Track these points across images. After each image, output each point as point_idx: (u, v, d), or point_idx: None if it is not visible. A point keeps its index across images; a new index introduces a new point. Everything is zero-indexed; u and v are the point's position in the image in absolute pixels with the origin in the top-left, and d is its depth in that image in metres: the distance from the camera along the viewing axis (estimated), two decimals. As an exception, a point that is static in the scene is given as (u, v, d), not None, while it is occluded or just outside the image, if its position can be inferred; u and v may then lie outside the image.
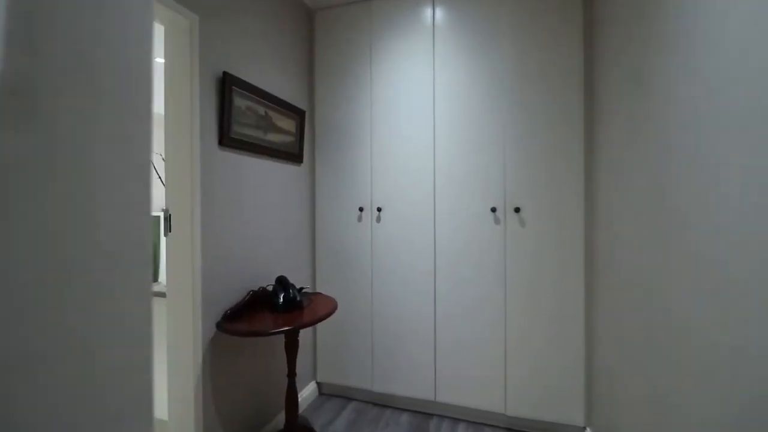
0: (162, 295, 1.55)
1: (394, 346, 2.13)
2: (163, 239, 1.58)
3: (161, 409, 1.70)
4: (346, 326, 2.25)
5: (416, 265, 2.09)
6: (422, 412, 2.10)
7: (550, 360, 1.85)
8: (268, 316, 1.59)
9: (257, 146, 1.80)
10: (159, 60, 1.61)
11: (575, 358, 1.81)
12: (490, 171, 1.95)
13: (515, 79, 1.90)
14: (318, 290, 2.30)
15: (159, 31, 1.52)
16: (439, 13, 2.04)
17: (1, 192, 0.43)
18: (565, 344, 1.82)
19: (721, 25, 0.87)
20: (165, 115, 1.47)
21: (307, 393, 2.21)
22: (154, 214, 1.65)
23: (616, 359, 1.47)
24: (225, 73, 1.56)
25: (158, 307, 1.89)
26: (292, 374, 1.67)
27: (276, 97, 1.92)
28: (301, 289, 1.78)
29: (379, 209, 2.15)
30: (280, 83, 2.00)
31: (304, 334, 2.20)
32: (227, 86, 1.58)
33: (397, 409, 2.15)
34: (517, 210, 1.89)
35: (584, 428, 1.80)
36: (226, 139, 1.59)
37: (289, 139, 2.07)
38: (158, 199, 1.62)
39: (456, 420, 2.02)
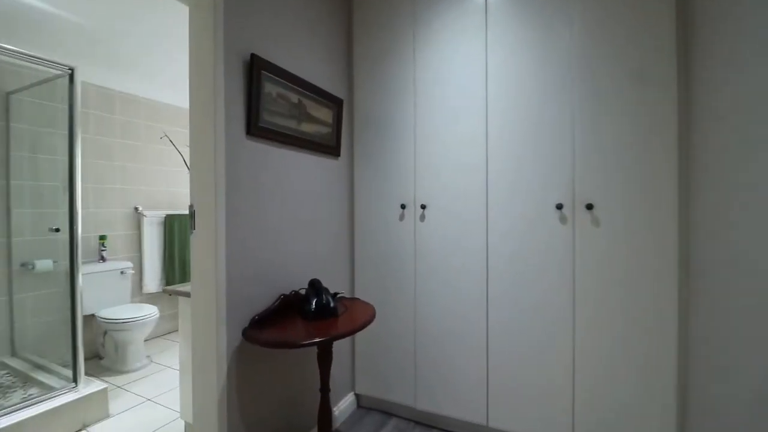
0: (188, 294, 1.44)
1: (440, 359, 1.90)
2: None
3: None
4: (386, 335, 2.04)
5: (465, 268, 1.84)
6: (472, 437, 1.84)
7: (632, 386, 1.52)
8: (299, 323, 1.43)
9: (289, 137, 1.65)
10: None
11: (665, 389, 1.47)
12: (555, 162, 1.65)
13: (587, 56, 1.60)
14: (356, 295, 2.12)
15: (184, 12, 1.41)
16: (493, -19, 1.78)
17: None
18: (652, 370, 1.49)
19: None
20: (190, 100, 1.35)
21: (344, 405, 2.03)
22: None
23: (727, 389, 1.14)
24: (253, 56, 1.42)
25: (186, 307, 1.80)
26: (325, 389, 1.49)
27: (311, 83, 1.76)
28: (336, 294, 1.60)
29: (423, 206, 1.93)
30: (316, 69, 1.84)
31: (342, 341, 2.02)
32: (255, 70, 1.43)
33: (443, 431, 1.91)
34: (589, 207, 1.58)
35: (677, 475, 1.46)
36: (255, 128, 1.45)
37: (325, 130, 1.91)
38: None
39: (512, 449, 1.75)
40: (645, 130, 1.50)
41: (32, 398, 1.88)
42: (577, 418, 1.61)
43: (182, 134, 3.62)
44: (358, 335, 2.12)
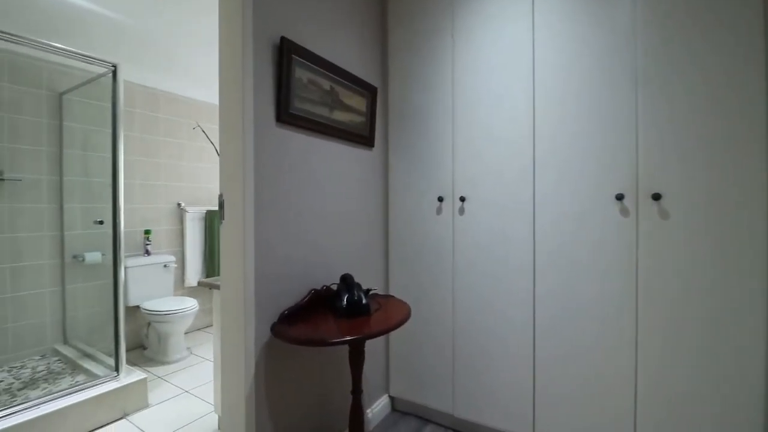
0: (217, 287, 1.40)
1: (481, 363, 1.75)
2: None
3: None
4: (421, 336, 1.93)
5: (508, 265, 1.68)
6: (516, 450, 1.69)
7: (708, 404, 1.30)
8: (330, 320, 1.35)
9: (321, 125, 1.58)
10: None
11: (749, 406, 1.24)
12: (614, 146, 1.46)
13: (653, 18, 1.40)
14: (391, 292, 2.02)
15: (214, -4, 1.37)
16: (541, -51, 1.61)
17: None
18: (732, 380, 1.27)
19: None
20: (219, 87, 1.30)
21: (378, 408, 1.94)
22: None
23: None
24: (283, 39, 1.36)
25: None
26: (357, 391, 1.41)
27: (344, 70, 1.68)
28: (369, 290, 1.50)
29: (462, 199, 1.80)
30: (349, 55, 1.76)
31: (376, 340, 1.93)
32: (285, 54, 1.37)
33: (484, 441, 1.76)
34: (656, 197, 1.38)
35: None
36: (285, 114, 1.39)
37: (358, 118, 1.82)
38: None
39: (563, 467, 1.58)
40: (728, 101, 1.28)
41: (78, 385, 1.95)
42: (641, 437, 1.41)
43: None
44: (393, 334, 2.02)
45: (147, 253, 3.13)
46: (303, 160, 1.49)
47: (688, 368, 1.34)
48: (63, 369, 2.29)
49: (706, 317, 1.31)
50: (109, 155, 2.24)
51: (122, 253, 2.19)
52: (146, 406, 2.12)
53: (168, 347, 2.81)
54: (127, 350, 2.98)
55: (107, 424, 1.93)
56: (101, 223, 2.50)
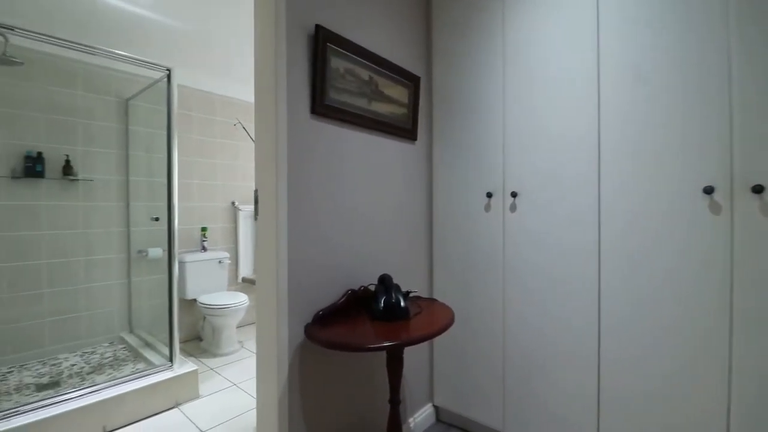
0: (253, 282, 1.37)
1: (535, 378, 1.57)
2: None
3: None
4: (467, 344, 1.78)
5: (569, 268, 1.49)
6: (577, 479, 1.49)
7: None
8: (366, 323, 1.27)
9: (359, 117, 1.50)
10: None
11: None
12: (701, 130, 1.22)
13: (756, -31, 1.14)
14: (434, 295, 1.90)
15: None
16: None
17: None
18: None
19: None
20: (254, 79, 1.28)
21: (421, 417, 1.83)
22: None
23: None
24: (318, 27, 1.30)
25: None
26: (394, 401, 1.31)
27: (384, 59, 1.59)
28: (408, 293, 1.40)
29: (513, 194, 1.63)
30: (389, 43, 1.66)
31: (419, 346, 1.82)
32: (320, 43, 1.31)
33: (539, 464, 1.58)
34: (757, 190, 1.13)
35: None
36: (320, 106, 1.33)
37: (400, 110, 1.73)
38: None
39: (634, 505, 1.35)
40: None
41: (137, 373, 2.06)
42: (739, 482, 1.16)
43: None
44: (437, 340, 1.89)
45: (204, 249, 3.28)
46: (340, 154, 1.43)
47: (806, 402, 1.07)
48: (127, 356, 2.46)
49: (832, 340, 1.04)
50: (171, 157, 2.36)
51: (176, 248, 2.29)
52: (197, 396, 2.20)
53: (221, 340, 2.92)
54: (185, 341, 3.16)
55: (160, 412, 2.02)
56: (157, 219, 2.65)
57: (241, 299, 2.92)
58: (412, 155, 1.82)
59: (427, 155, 1.91)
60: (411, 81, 1.77)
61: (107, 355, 2.50)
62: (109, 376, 2.12)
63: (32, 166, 2.34)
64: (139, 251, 2.84)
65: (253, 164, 3.72)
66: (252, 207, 3.58)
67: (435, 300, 1.57)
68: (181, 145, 3.10)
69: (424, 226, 1.90)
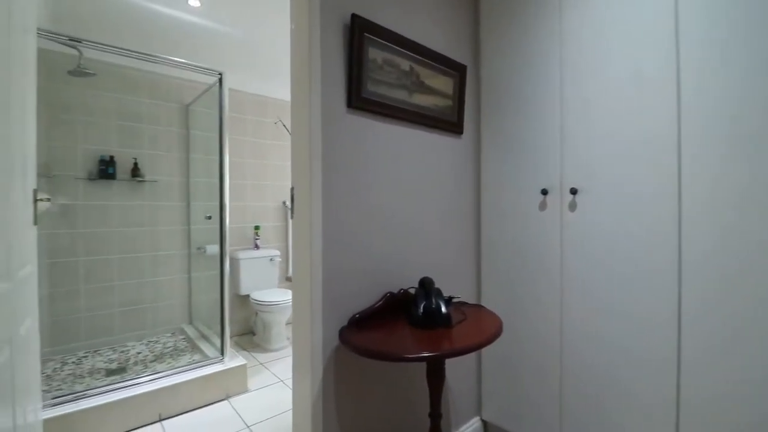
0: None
1: (598, 397, 1.38)
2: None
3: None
4: (519, 356, 1.62)
5: (639, 273, 1.28)
6: None
7: None
8: (405, 329, 1.18)
9: (400, 110, 1.42)
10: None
11: None
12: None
13: None
14: (482, 302, 1.76)
15: None
16: None
17: None
18: None
19: None
20: (291, 72, 1.25)
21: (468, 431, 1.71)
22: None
23: None
24: (354, 17, 1.24)
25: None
26: (435, 415, 1.21)
27: (425, 47, 1.49)
28: (450, 298, 1.30)
29: (573, 191, 1.45)
30: (432, 30, 1.56)
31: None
32: (357, 33, 1.25)
33: (603, 497, 1.39)
34: None
35: None
36: (357, 99, 1.27)
37: (444, 102, 1.62)
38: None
39: None
40: None
41: (193, 363, 2.17)
42: None
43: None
44: (486, 349, 1.75)
45: (256, 247, 3.40)
46: (378, 150, 1.36)
47: None
48: (185, 347, 2.60)
49: None
50: (228, 158, 2.45)
51: (227, 246, 2.38)
52: (246, 390, 2.26)
53: (271, 336, 3.00)
54: (240, 335, 3.29)
55: (211, 403, 2.10)
56: (210, 218, 2.78)
57: (289, 297, 2.97)
58: (458, 150, 1.70)
59: (474, 150, 1.78)
60: (456, 70, 1.65)
61: (168, 344, 2.66)
62: (168, 365, 2.25)
63: (105, 169, 2.56)
64: (198, 248, 3.00)
65: (302, 164, 3.79)
66: (301, 206, 3.64)
67: (482, 307, 1.44)
68: (236, 147, 3.24)
69: (471, 227, 1.77)
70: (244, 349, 2.98)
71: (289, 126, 3.56)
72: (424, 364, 1.41)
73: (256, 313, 3.14)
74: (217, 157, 2.88)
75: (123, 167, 2.66)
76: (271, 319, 2.96)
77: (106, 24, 2.19)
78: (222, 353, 2.27)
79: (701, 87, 1.15)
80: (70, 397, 1.75)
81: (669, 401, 1.22)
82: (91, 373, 2.18)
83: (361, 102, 1.28)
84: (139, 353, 2.50)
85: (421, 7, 1.52)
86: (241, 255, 3.17)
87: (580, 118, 1.43)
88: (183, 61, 2.21)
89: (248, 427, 1.90)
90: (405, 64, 1.43)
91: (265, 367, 2.64)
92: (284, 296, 2.98)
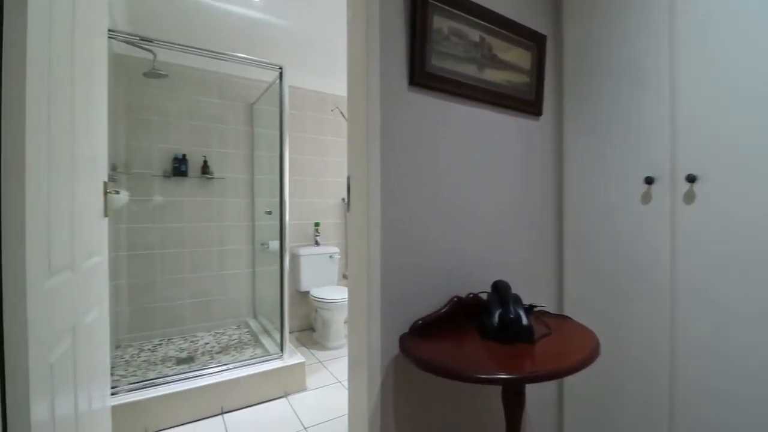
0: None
1: (728, 443, 1.08)
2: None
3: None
4: (614, 375, 1.35)
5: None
6: None
7: None
8: (476, 340, 1.01)
9: (468, 87, 1.24)
10: None
11: None
12: None
13: None
14: (564, 311, 1.51)
15: None
16: None
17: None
18: None
19: None
20: (347, 48, 1.13)
21: (545, 458, 1.47)
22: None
23: None
24: (417, -20, 1.08)
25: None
26: (512, 444, 1.02)
27: (498, 14, 1.29)
28: (532, 306, 1.09)
29: (690, 178, 1.15)
30: (506, -5, 1.35)
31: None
32: (420, -1, 1.09)
33: None
34: None
35: None
36: (420, 75, 1.11)
37: (519, 78, 1.40)
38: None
39: None
40: None
41: (255, 357, 2.18)
42: None
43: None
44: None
45: (316, 243, 3.39)
46: (444, 133, 1.19)
47: None
48: (248, 340, 2.65)
49: None
50: (289, 155, 2.45)
51: (287, 242, 2.36)
52: (304, 389, 2.22)
53: (330, 333, 2.96)
54: (300, 330, 3.31)
55: (269, 400, 2.08)
56: (269, 213, 2.79)
57: (347, 295, 2.90)
58: (536, 133, 1.47)
59: (554, 133, 1.53)
60: (534, 41, 1.42)
61: (234, 337, 2.73)
62: (232, 358, 2.29)
63: (178, 167, 2.69)
64: (262, 243, 3.05)
65: (362, 160, 3.72)
66: (361, 203, 3.57)
67: (567, 318, 1.21)
68: (296, 144, 3.25)
69: (552, 222, 1.52)
70: (304, 346, 2.97)
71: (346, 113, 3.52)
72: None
73: (316, 310, 3.13)
74: (277, 154, 2.92)
75: (194, 165, 2.78)
76: (329, 316, 2.92)
77: (175, 24, 2.27)
78: (281, 349, 2.26)
79: None
80: (140, 384, 1.81)
81: None
82: (163, 360, 2.29)
83: (425, 78, 1.13)
84: (206, 344, 2.59)
85: (494, -32, 1.32)
86: (302, 251, 3.17)
87: (699, 86, 1.13)
88: (246, 56, 2.23)
89: (305, 429, 1.84)
90: (474, 35, 1.25)
91: (324, 366, 2.59)
92: (343, 294, 2.92)
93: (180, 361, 2.29)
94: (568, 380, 1.50)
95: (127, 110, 2.55)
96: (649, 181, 1.26)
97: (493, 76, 1.31)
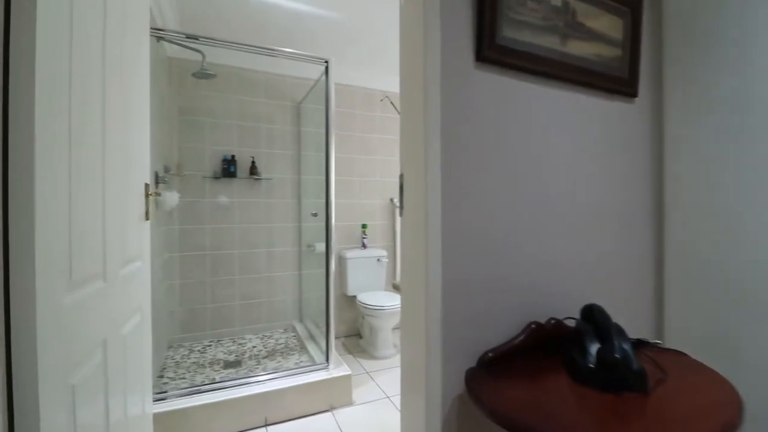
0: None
1: None
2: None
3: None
4: None
5: None
6: None
7: None
8: (563, 385, 0.78)
9: (550, 63, 1.01)
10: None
11: None
12: None
13: None
14: (665, 341, 1.22)
15: None
16: None
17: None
18: None
19: None
20: (400, 21, 0.95)
21: None
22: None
23: None
24: (487, -69, 0.88)
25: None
26: None
27: (586, -28, 1.05)
28: (639, 341, 0.84)
29: None
30: (595, -51, 1.10)
31: None
32: (491, -46, 0.89)
33: None
34: None
35: None
36: (490, 48, 0.91)
37: (610, 52, 1.14)
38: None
39: None
40: None
41: (300, 365, 2.08)
42: None
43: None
44: None
45: (363, 246, 3.26)
46: (517, 119, 0.97)
47: None
48: (294, 345, 2.57)
49: None
50: (329, 153, 2.34)
51: (333, 244, 2.24)
52: (350, 403, 2.08)
53: (377, 341, 2.81)
54: (346, 336, 3.19)
55: (314, 413, 1.96)
56: (315, 215, 2.69)
57: (397, 302, 2.73)
58: (630, 120, 1.20)
59: (653, 120, 1.25)
60: (627, 5, 1.15)
61: (280, 341, 2.67)
62: (278, 364, 2.22)
63: (227, 168, 2.67)
64: (308, 245, 2.98)
65: (411, 158, 3.53)
66: (410, 203, 3.38)
67: (682, 354, 0.94)
68: (343, 143, 3.14)
69: (650, 229, 1.24)
70: (350, 353, 2.85)
71: (397, 104, 3.31)
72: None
73: (363, 316, 2.99)
74: (324, 153, 2.82)
75: (242, 166, 2.76)
76: (377, 324, 2.76)
77: (221, 25, 2.24)
78: (327, 360, 2.13)
79: None
80: (186, 391, 1.77)
81: None
82: (211, 363, 2.27)
83: (495, 51, 0.92)
84: (254, 347, 2.55)
85: None
86: (349, 254, 3.06)
87: None
88: (291, 50, 2.13)
89: (352, 449, 1.69)
90: (556, -2, 1.01)
91: (371, 377, 2.44)
92: (391, 301, 2.75)
93: (227, 365, 2.25)
94: None
95: (180, 112, 2.57)
96: (796, 176, 0.95)
97: (579, 48, 1.07)
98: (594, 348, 0.80)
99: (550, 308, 1.00)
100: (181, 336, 2.59)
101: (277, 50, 2.09)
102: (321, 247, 2.82)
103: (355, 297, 3.08)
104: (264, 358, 2.36)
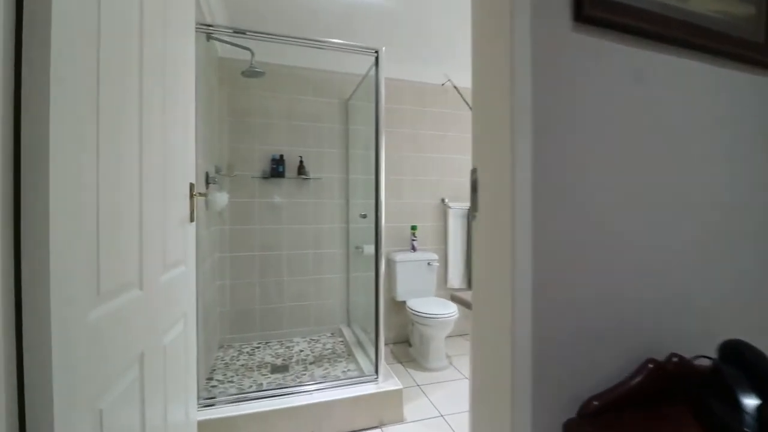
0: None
1: None
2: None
3: None
4: None
5: None
6: None
7: None
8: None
9: (664, 22, 0.78)
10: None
11: None
12: None
13: None
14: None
15: None
16: None
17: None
18: None
19: None
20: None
21: None
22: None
23: None
24: None
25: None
26: None
27: None
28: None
29: None
30: None
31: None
32: None
33: None
34: None
35: None
36: (592, 6, 0.71)
37: (741, 10, 0.88)
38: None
39: None
40: None
41: (347, 373, 1.97)
42: None
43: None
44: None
45: (413, 249, 3.10)
46: (631, 100, 0.76)
47: None
48: (342, 351, 2.47)
49: None
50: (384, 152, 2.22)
51: (382, 246, 2.11)
52: (401, 420, 1.93)
53: (429, 351, 2.64)
54: (395, 342, 3.04)
55: (363, 429, 1.83)
56: (364, 216, 2.57)
57: (450, 310, 2.55)
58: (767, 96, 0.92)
59: (802, 94, 0.96)
60: (768, -51, 0.89)
61: (328, 346, 2.59)
62: (325, 372, 2.12)
63: (276, 167, 2.64)
64: (357, 247, 2.87)
65: (466, 156, 3.31)
66: (463, 205, 3.16)
67: None
68: (393, 140, 3.00)
69: (795, 237, 0.95)
70: (399, 362, 2.70)
71: (460, 87, 3.03)
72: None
73: (413, 323, 2.83)
74: (373, 152, 2.69)
75: (290, 165, 2.72)
76: (429, 333, 2.59)
77: (270, 15, 2.20)
78: (376, 371, 2.00)
79: None
80: (233, 398, 1.72)
81: None
82: (259, 367, 2.23)
83: (600, 8, 0.71)
84: (301, 351, 2.48)
85: None
86: (398, 257, 2.91)
87: None
88: (340, 41, 2.02)
89: (404, 474, 1.54)
90: (678, -61, 0.79)
91: (422, 391, 2.28)
92: (444, 309, 2.57)
93: (275, 369, 2.20)
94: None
95: (230, 113, 2.57)
96: None
97: (702, 5, 0.83)
98: (751, 403, 0.58)
99: (672, 341, 0.77)
100: (230, 336, 2.59)
101: (326, 41, 1.99)
102: (369, 249, 2.69)
103: (404, 302, 2.93)
104: (311, 363, 2.28)
